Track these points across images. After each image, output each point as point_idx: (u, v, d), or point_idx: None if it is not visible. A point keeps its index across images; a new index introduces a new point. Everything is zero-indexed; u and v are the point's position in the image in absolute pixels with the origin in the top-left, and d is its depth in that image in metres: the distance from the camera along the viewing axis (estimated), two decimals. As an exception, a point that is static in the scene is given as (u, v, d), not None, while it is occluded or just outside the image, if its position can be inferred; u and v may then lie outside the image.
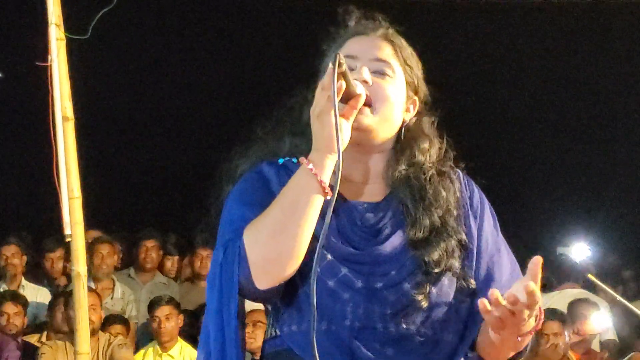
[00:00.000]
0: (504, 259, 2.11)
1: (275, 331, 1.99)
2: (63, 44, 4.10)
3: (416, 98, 2.11)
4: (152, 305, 6.25)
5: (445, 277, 1.99)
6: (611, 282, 7.00)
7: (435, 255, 1.97)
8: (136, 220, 8.14)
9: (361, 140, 1.98)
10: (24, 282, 6.87)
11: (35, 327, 6.57)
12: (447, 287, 1.99)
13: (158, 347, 6.18)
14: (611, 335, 6.84)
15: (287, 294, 1.94)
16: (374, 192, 2.05)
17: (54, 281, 7.10)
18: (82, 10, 4.17)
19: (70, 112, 4.06)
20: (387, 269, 1.96)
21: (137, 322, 6.80)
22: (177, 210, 8.79)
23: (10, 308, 6.18)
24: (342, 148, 1.86)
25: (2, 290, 6.64)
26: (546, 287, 6.71)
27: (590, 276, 6.28)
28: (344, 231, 1.98)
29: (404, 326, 1.94)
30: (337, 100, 1.85)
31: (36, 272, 7.35)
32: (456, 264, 2.00)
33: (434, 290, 1.96)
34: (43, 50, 4.07)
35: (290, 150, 2.08)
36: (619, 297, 6.44)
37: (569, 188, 8.98)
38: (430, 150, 2.08)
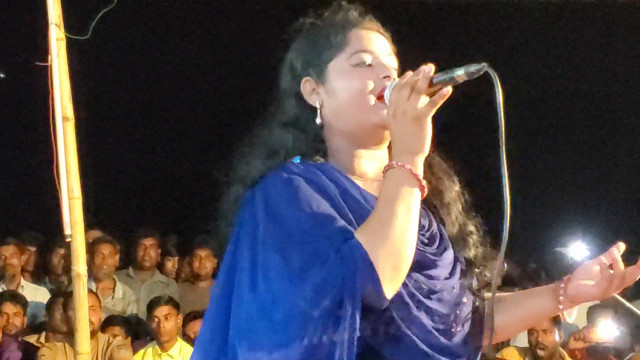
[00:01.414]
0: None
1: None
2: (63, 44, 4.10)
3: None
4: (152, 305, 6.25)
5: (475, 272, 2.06)
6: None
7: (472, 252, 2.05)
8: (136, 220, 8.14)
9: (382, 135, 2.00)
10: (23, 282, 6.86)
11: (35, 327, 6.57)
12: (476, 283, 2.06)
13: (157, 347, 6.18)
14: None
15: None
16: None
17: (58, 278, 7.10)
18: (82, 10, 4.18)
19: (70, 112, 4.06)
20: (444, 272, 1.99)
21: (137, 323, 6.80)
22: (177, 210, 8.79)
23: (9, 308, 6.17)
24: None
25: (1, 290, 6.64)
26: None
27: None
28: None
29: (458, 325, 1.98)
30: (501, 111, 1.88)
31: (37, 272, 7.35)
32: (479, 257, 2.07)
33: (473, 287, 2.04)
34: (43, 50, 4.07)
35: (293, 146, 2.03)
36: (619, 298, 6.42)
37: (568, 187, 8.98)
38: None
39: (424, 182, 1.88)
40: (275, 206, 1.89)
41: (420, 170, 1.88)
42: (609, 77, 8.98)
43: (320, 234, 1.83)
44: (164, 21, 9.01)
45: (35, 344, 6.13)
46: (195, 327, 6.46)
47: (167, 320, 6.12)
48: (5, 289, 6.65)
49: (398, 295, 1.87)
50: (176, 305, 6.27)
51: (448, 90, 1.86)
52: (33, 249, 7.31)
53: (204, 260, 7.23)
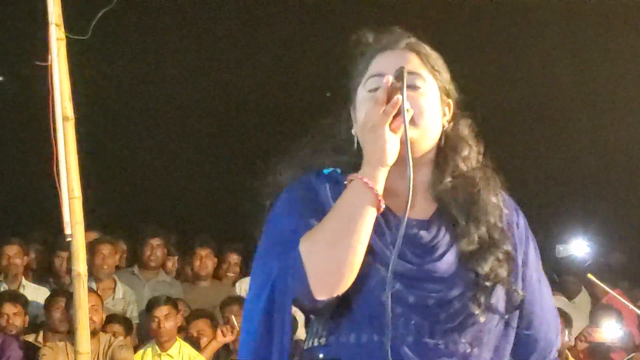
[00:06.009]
0: (545, 293, 2.15)
1: (320, 340, 1.99)
2: (63, 44, 4.10)
3: (450, 101, 2.11)
4: (151, 306, 6.25)
5: (497, 289, 2.01)
6: (613, 281, 6.98)
7: (487, 268, 1.99)
8: (136, 220, 8.14)
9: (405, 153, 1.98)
10: (24, 281, 6.86)
11: (35, 326, 6.57)
12: (499, 300, 2.01)
13: (157, 347, 6.18)
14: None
15: (339, 305, 1.94)
16: (421, 207, 2.05)
17: (60, 279, 7.09)
18: (82, 10, 4.17)
19: (70, 112, 4.06)
20: (440, 286, 1.96)
21: (138, 323, 6.80)
22: (177, 210, 8.79)
23: (9, 308, 6.17)
24: (392, 161, 1.92)
25: (2, 290, 6.64)
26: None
27: (590, 276, 6.27)
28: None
29: (455, 342, 1.96)
30: (407, 116, 1.90)
31: (39, 272, 7.34)
32: (505, 274, 2.01)
33: (486, 303, 1.98)
34: (43, 50, 4.07)
35: (331, 164, 2.08)
36: (621, 299, 6.43)
37: (568, 185, 8.97)
38: (471, 157, 2.10)
39: (378, 192, 1.90)
40: (271, 218, 2.03)
41: (377, 183, 1.91)
42: (610, 76, 8.96)
43: (281, 242, 1.94)
44: (163, 21, 9.01)
45: (34, 343, 6.13)
46: (198, 326, 6.47)
47: (167, 320, 6.13)
48: (7, 288, 6.65)
49: (369, 303, 1.91)
50: (175, 305, 6.28)
51: (397, 98, 1.90)
52: (35, 248, 7.30)
53: (205, 260, 7.23)
